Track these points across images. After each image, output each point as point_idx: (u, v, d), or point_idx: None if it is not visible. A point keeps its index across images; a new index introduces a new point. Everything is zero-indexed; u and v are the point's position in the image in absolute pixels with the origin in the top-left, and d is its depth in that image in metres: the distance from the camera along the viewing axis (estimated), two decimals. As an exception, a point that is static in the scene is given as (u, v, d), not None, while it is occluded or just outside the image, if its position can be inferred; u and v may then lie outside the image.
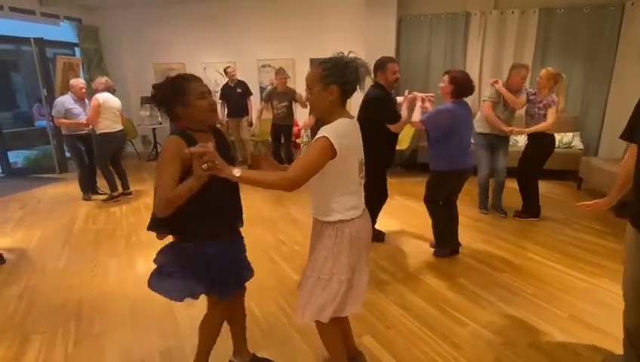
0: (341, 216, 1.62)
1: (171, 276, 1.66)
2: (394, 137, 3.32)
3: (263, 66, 6.89)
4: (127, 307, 2.62)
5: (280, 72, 5.46)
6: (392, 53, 5.89)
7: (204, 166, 1.35)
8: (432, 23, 6.04)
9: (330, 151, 1.49)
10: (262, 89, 6.62)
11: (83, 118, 4.67)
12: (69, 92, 4.75)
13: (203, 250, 1.63)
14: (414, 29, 6.13)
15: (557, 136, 5.14)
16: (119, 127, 4.82)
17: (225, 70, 6.16)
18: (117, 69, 7.66)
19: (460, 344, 2.17)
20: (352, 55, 1.55)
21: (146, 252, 3.42)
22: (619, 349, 2.08)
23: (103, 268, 3.20)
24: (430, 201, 3.24)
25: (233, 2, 6.86)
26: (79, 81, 4.80)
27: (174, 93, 1.54)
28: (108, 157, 4.86)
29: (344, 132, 1.53)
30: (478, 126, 4.03)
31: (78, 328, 2.40)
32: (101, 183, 5.08)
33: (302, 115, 6.21)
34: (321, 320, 1.66)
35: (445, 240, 3.27)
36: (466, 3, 5.88)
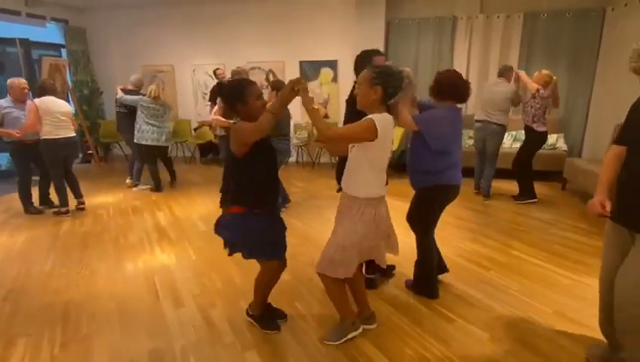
0: (368, 194, 1.98)
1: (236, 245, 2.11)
2: None
3: (253, 68, 6.89)
4: (115, 308, 2.59)
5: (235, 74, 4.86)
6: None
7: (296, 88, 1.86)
8: (419, 27, 6.13)
9: (372, 132, 1.82)
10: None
11: (23, 123, 4.17)
12: (8, 94, 4.26)
13: (262, 217, 2.07)
14: (402, 32, 6.22)
15: (547, 136, 5.25)
16: (66, 133, 4.29)
17: (214, 72, 6.15)
18: (105, 70, 7.59)
19: (448, 340, 2.20)
20: (404, 69, 2.03)
21: (134, 254, 3.39)
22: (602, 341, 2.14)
23: (90, 270, 3.16)
24: (424, 229, 2.56)
25: (223, 4, 6.87)
26: (20, 81, 4.27)
27: (236, 94, 1.99)
28: (58, 165, 4.35)
29: (385, 123, 1.87)
30: (478, 115, 4.74)
31: (64, 330, 2.37)
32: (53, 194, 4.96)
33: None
34: (330, 275, 2.02)
35: (432, 279, 2.66)
36: (453, 7, 5.99)
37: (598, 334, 2.21)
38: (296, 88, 1.86)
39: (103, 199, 5.12)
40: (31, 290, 2.85)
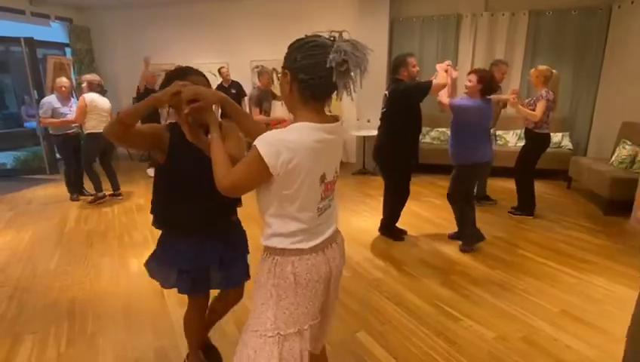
0: (281, 243, 1.20)
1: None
2: (418, 133, 3.49)
3: (257, 67, 6.88)
4: (120, 306, 2.61)
5: (264, 73, 5.13)
6: (384, 55, 5.95)
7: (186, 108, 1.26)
8: (423, 25, 6.10)
9: (261, 169, 1.08)
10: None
11: (71, 117, 4.66)
12: (55, 92, 4.74)
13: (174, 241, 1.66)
14: (406, 30, 6.19)
15: (551, 137, 5.20)
16: None
17: (219, 71, 6.15)
18: (108, 69, 7.60)
19: (453, 339, 2.19)
20: (344, 34, 1.11)
21: (138, 251, 3.40)
22: (608, 342, 2.13)
23: (95, 268, 3.17)
24: (457, 198, 3.29)
25: (227, 3, 6.87)
26: (63, 81, 4.76)
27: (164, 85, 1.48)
28: (94, 157, 4.84)
29: (295, 144, 1.08)
30: None
31: (70, 328, 2.38)
32: (87, 185, 5.01)
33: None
34: None
35: (472, 236, 3.33)
36: (457, 5, 5.95)
37: (604, 334, 2.21)
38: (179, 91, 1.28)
39: (108, 197, 5.14)
40: (37, 288, 2.87)
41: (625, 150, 4.38)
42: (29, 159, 7.12)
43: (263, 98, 5.12)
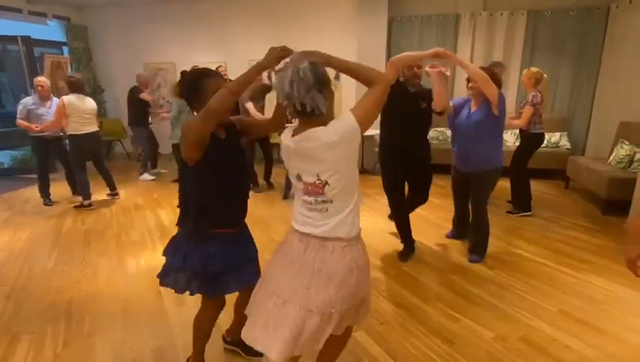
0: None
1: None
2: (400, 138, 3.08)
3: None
4: (117, 306, 2.59)
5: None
6: (383, 54, 5.94)
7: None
8: (422, 24, 6.10)
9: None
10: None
11: (48, 119, 4.40)
12: (34, 91, 4.53)
13: (203, 246, 1.63)
14: (405, 29, 6.18)
15: (545, 136, 5.24)
16: (91, 128, 4.48)
17: (216, 69, 6.12)
18: (106, 68, 7.58)
19: (452, 339, 2.19)
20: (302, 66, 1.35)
21: (136, 251, 3.38)
22: (607, 342, 2.13)
23: (92, 267, 3.15)
24: (484, 206, 3.05)
25: (224, 1, 6.84)
26: (40, 80, 4.49)
27: (191, 90, 1.60)
28: (82, 159, 4.56)
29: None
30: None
31: (67, 328, 2.37)
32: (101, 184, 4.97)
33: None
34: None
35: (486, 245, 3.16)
36: (455, 4, 5.95)
37: (603, 334, 2.21)
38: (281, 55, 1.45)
39: (106, 196, 5.12)
40: (34, 288, 2.85)
41: (623, 150, 4.38)
42: (26, 158, 7.07)
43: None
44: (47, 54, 6.44)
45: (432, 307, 2.51)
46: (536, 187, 5.14)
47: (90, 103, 4.52)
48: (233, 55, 6.93)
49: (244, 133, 1.75)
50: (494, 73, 2.82)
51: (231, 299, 1.87)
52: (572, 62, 5.58)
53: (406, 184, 3.22)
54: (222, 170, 1.60)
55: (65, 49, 7.25)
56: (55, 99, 4.55)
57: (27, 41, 6.16)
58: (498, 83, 2.83)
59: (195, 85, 1.59)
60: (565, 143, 5.53)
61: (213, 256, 1.63)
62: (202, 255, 1.62)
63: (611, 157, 4.54)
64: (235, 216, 1.72)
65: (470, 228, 3.24)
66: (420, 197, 3.31)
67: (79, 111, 4.37)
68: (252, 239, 1.87)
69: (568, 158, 5.10)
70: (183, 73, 1.64)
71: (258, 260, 1.86)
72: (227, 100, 1.40)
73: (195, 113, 1.59)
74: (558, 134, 5.52)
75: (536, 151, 4.10)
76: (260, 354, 1.91)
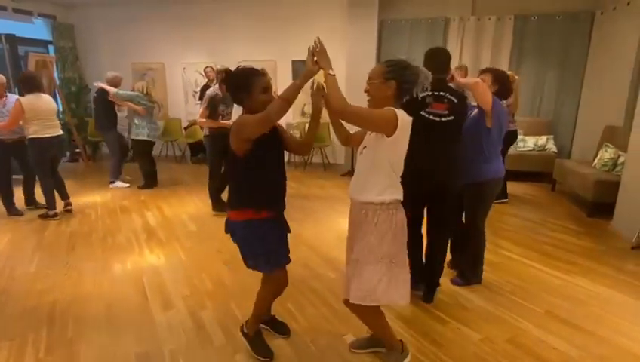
0: (397, 195, 1.76)
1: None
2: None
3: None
4: (102, 310, 2.54)
5: (219, 72, 4.23)
6: (373, 57, 5.96)
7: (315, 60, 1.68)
8: (412, 28, 6.15)
9: (391, 123, 1.62)
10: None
11: (3, 119, 3.95)
12: None
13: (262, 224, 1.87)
14: (395, 32, 6.22)
15: (532, 139, 5.32)
16: (55, 132, 4.11)
17: (204, 70, 6.09)
18: (93, 67, 7.47)
19: (440, 341, 2.19)
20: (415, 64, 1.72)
21: (122, 255, 3.32)
22: (592, 343, 2.16)
23: (77, 271, 3.08)
24: (477, 225, 2.68)
25: (214, 2, 6.80)
26: None
27: (240, 88, 1.80)
28: (44, 165, 4.14)
29: (406, 122, 1.68)
30: None
31: (50, 334, 2.30)
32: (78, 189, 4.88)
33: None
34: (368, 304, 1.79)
35: (479, 268, 2.82)
36: (445, 9, 6.01)
37: (588, 335, 2.24)
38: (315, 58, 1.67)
39: (91, 198, 5.02)
40: (15, 293, 2.77)
41: (607, 153, 4.47)
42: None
43: (218, 101, 4.07)
44: (32, 53, 6.31)
45: (421, 309, 2.51)
46: (523, 189, 5.24)
47: (50, 103, 4.12)
48: (222, 56, 6.89)
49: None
50: (508, 78, 2.60)
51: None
52: (558, 66, 5.68)
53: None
54: (268, 160, 1.85)
55: (51, 48, 7.13)
56: (11, 97, 4.08)
57: (11, 39, 6.04)
58: (510, 89, 2.63)
59: (245, 83, 1.78)
60: (552, 147, 5.62)
61: (272, 230, 1.90)
62: (262, 233, 1.86)
63: (596, 161, 4.62)
64: (278, 199, 1.95)
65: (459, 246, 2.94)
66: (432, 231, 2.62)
67: (39, 112, 3.95)
68: (287, 223, 2.06)
69: (555, 161, 5.18)
70: (228, 72, 1.77)
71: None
72: (285, 108, 1.65)
73: (242, 109, 1.86)
74: (544, 137, 5.60)
75: (509, 147, 4.45)
76: (267, 356, 2.04)
